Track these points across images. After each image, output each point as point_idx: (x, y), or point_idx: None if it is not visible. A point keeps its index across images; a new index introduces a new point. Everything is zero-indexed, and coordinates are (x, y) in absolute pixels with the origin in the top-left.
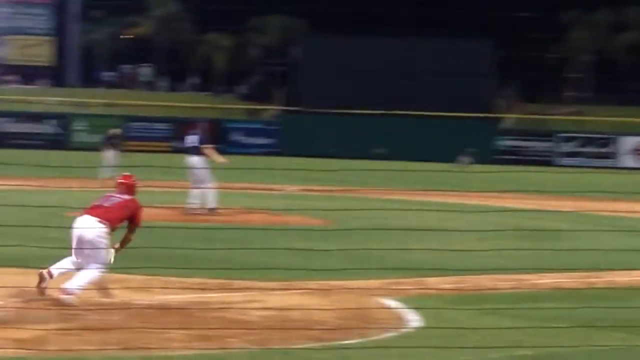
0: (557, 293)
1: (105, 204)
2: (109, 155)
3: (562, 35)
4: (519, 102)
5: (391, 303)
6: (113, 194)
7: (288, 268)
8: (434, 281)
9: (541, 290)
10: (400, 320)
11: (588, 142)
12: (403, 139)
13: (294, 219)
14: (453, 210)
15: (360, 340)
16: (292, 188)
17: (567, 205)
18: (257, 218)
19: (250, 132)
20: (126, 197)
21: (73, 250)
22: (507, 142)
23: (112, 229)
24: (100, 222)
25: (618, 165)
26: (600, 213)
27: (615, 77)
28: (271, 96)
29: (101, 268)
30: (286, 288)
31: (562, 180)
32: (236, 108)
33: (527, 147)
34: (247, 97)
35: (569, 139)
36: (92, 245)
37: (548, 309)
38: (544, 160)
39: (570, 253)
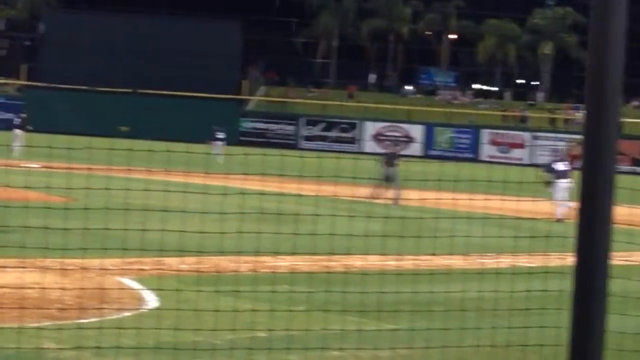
0: (294, 276)
1: None
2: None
3: (310, 20)
4: (265, 84)
5: (129, 283)
6: None
7: (25, 246)
8: (172, 262)
9: (279, 273)
10: (137, 300)
11: (331, 126)
12: (148, 118)
13: (34, 196)
14: (194, 192)
15: (96, 319)
16: (34, 164)
17: (308, 188)
18: None
19: None
20: None
21: None
22: (252, 124)
23: None
24: None
25: (359, 150)
26: (340, 197)
27: (362, 63)
28: (16, 71)
29: None
30: (23, 266)
31: (304, 163)
32: None
33: (271, 130)
34: None
35: (312, 123)
36: None
37: (285, 292)
38: (288, 143)
39: (309, 237)
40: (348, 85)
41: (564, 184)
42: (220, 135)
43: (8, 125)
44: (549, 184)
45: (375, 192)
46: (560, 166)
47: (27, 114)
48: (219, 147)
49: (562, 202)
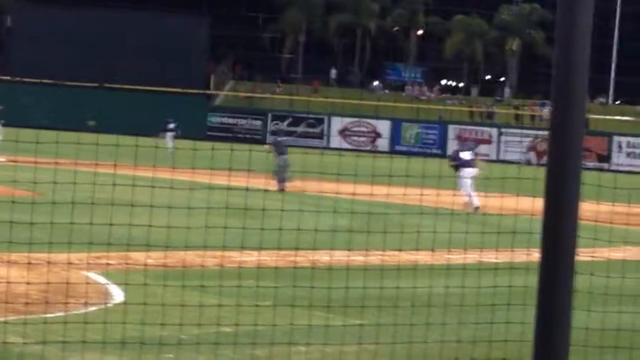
0: (261, 271)
1: None
2: None
3: (277, 15)
4: (233, 79)
5: (95, 277)
6: None
7: None
8: (139, 256)
9: (245, 267)
10: (103, 295)
11: (298, 121)
12: (115, 113)
13: (1, 190)
14: (161, 186)
15: (62, 314)
16: (0, 158)
17: (274, 183)
18: None
19: None
20: None
21: None
22: (219, 119)
23: None
24: None
25: (326, 146)
26: (307, 192)
27: (329, 58)
28: None
29: None
30: None
31: (270, 158)
32: None
33: (239, 125)
34: None
35: (279, 118)
36: None
37: (251, 287)
38: (255, 139)
39: (275, 232)
40: (312, 81)
41: (467, 173)
42: (171, 125)
43: None
44: (455, 171)
45: (280, 183)
46: (466, 155)
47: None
48: (170, 138)
49: (466, 192)
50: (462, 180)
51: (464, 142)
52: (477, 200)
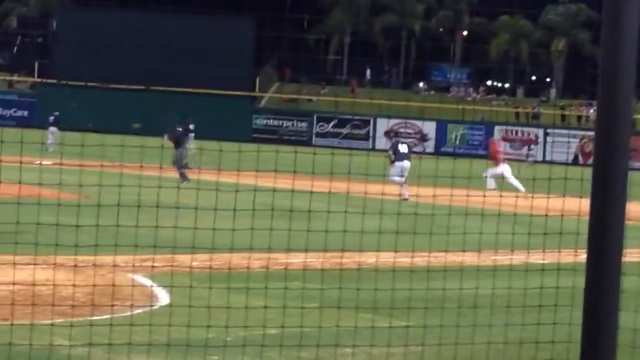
0: (307, 273)
1: None
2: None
3: (322, 17)
4: (278, 81)
5: (141, 280)
6: None
7: (37, 243)
8: (184, 259)
9: (291, 269)
10: (149, 297)
11: (344, 123)
12: (159, 115)
13: (47, 193)
14: (207, 188)
15: (108, 316)
16: (46, 161)
17: (320, 185)
18: (8, 191)
19: (4, 104)
20: None
21: None
22: (265, 121)
23: None
24: None
25: (372, 147)
26: (353, 194)
27: (374, 59)
28: (30, 67)
29: None
30: (35, 263)
31: (317, 160)
32: None
33: (284, 127)
34: (5, 68)
35: (325, 120)
36: None
37: (297, 289)
38: (300, 140)
39: (321, 233)
40: (350, 80)
41: (402, 165)
42: (191, 126)
43: (19, 123)
44: (392, 163)
45: (184, 174)
46: (404, 148)
47: (59, 111)
48: (190, 139)
49: (399, 180)
50: (395, 172)
51: (397, 137)
52: (407, 193)
